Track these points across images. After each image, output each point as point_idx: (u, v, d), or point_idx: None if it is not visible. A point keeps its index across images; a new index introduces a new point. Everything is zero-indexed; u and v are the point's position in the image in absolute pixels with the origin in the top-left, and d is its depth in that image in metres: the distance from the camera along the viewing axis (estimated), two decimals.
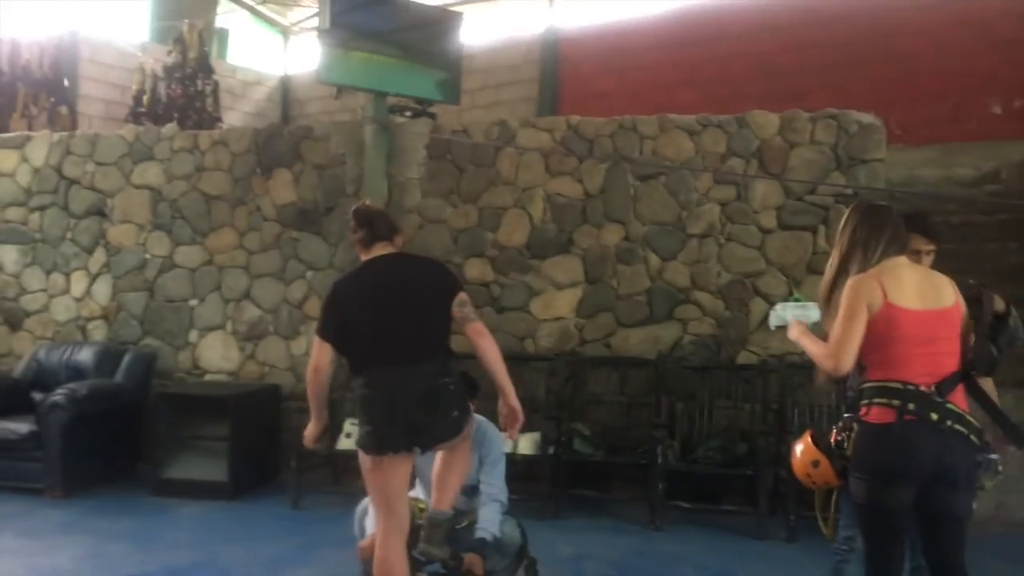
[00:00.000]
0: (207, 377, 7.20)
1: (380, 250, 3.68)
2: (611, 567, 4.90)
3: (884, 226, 3.17)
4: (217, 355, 7.19)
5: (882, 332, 3.01)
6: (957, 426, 2.95)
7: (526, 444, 5.85)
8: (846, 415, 3.40)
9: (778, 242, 6.26)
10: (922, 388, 2.96)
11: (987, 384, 3.22)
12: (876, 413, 3.02)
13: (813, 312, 6.00)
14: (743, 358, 6.27)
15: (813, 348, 3.21)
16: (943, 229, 7.43)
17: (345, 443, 6.16)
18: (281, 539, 5.36)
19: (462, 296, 3.63)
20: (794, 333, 3.37)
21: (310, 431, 3.80)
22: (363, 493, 5.13)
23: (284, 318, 7.07)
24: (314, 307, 6.99)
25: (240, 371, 7.14)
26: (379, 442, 3.45)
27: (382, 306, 3.54)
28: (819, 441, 3.46)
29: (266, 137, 7.20)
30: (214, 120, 9.69)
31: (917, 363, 2.99)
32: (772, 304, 6.12)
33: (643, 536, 5.49)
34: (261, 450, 6.66)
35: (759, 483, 5.48)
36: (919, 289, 3.03)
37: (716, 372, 6.23)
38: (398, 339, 3.50)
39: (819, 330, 6.06)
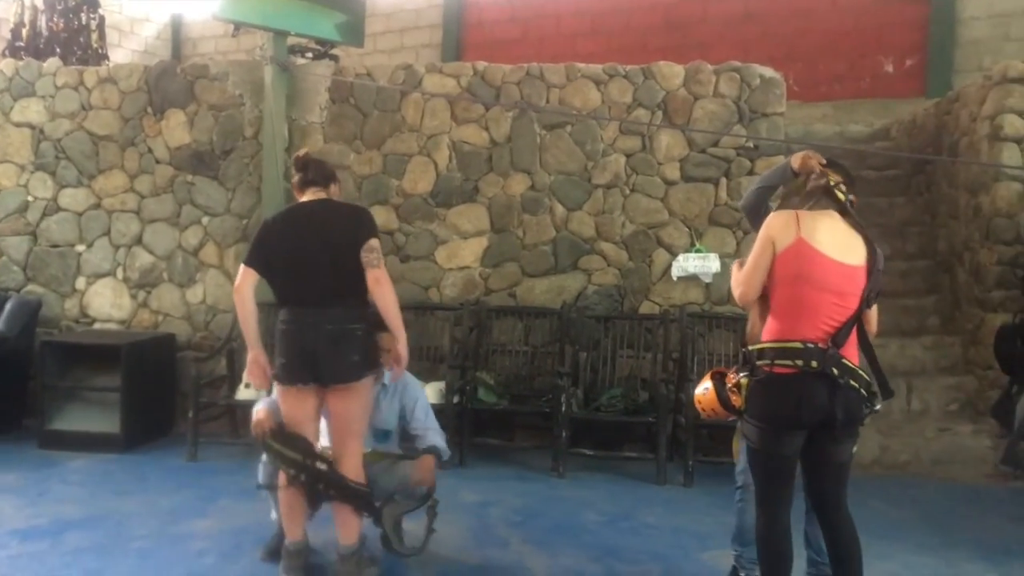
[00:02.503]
0: (96, 326, 6.91)
1: (311, 195, 3.85)
2: (515, 513, 4.94)
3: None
4: (107, 303, 6.90)
5: (791, 269, 3.06)
6: (852, 382, 3.04)
7: (430, 393, 5.80)
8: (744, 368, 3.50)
9: (681, 194, 6.34)
10: (821, 346, 3.03)
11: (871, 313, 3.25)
12: (777, 371, 3.09)
13: (714, 264, 6.26)
14: (646, 308, 6.36)
15: (735, 274, 3.26)
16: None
17: (244, 393, 6.02)
18: (178, 491, 5.22)
19: (371, 242, 3.72)
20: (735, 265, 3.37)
21: (249, 360, 3.86)
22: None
23: (179, 265, 6.83)
24: (211, 254, 6.78)
25: (132, 320, 6.88)
26: (289, 374, 3.73)
27: (300, 248, 3.73)
28: (716, 377, 3.57)
29: (158, 75, 6.86)
30: (100, 57, 9.17)
31: (822, 312, 3.06)
32: (675, 255, 6.32)
33: (547, 483, 5.56)
34: (155, 401, 6.45)
35: (659, 430, 5.60)
36: (834, 240, 3.08)
37: (619, 322, 6.31)
38: (312, 281, 3.70)
39: (719, 281, 6.24)
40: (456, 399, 5.87)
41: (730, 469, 5.56)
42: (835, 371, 3.01)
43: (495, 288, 6.53)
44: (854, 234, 3.12)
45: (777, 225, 3.11)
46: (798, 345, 3.05)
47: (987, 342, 6.06)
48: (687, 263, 6.22)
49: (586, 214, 6.44)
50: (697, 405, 3.62)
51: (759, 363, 3.13)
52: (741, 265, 3.30)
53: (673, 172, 6.35)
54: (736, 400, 3.21)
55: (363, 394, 3.79)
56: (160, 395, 6.52)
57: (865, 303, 3.09)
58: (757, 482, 3.24)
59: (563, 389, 5.70)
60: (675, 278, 6.28)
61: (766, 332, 3.16)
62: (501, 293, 6.52)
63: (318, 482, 3.73)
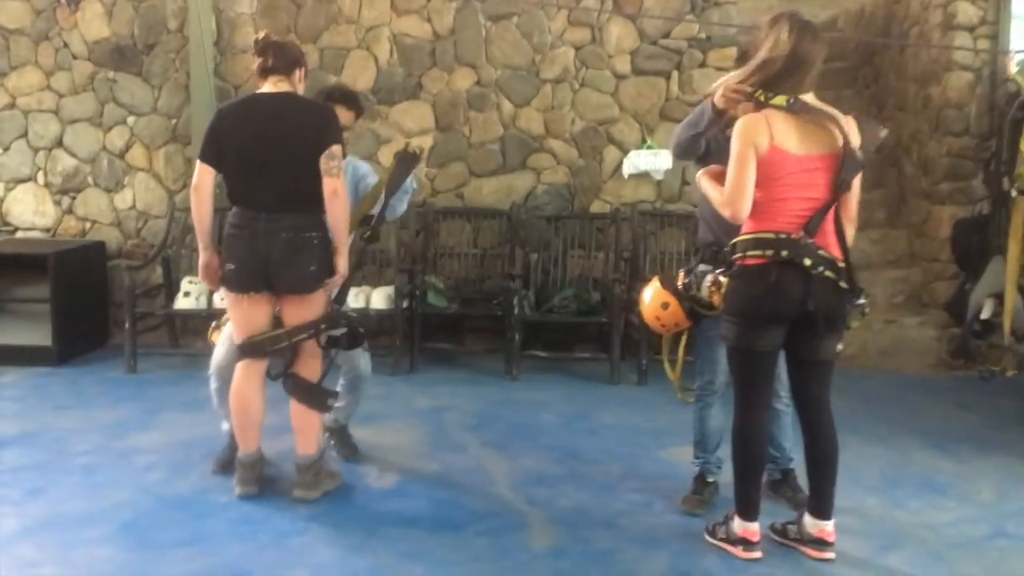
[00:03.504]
0: (19, 234, 6.53)
1: (272, 86, 3.54)
2: (471, 417, 4.87)
3: (816, 55, 3.01)
4: (29, 210, 6.51)
5: (763, 176, 2.95)
6: (827, 272, 2.96)
7: (379, 298, 5.66)
8: (700, 266, 3.40)
9: (632, 88, 6.15)
10: (793, 236, 2.95)
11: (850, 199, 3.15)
12: (749, 262, 3.01)
13: (665, 160, 6.12)
14: (596, 207, 6.24)
15: (712, 194, 3.11)
16: None
17: (183, 302, 5.78)
18: (119, 405, 5.01)
19: (334, 148, 3.45)
20: (700, 178, 3.22)
21: (201, 263, 3.63)
22: (204, 353, 4.91)
23: (104, 169, 6.45)
24: (139, 157, 6.43)
25: (58, 227, 6.51)
26: (240, 281, 3.51)
27: (255, 145, 3.47)
28: (668, 284, 3.48)
29: None
30: None
31: (792, 207, 2.96)
32: (625, 152, 6.17)
33: (500, 386, 5.49)
34: (89, 312, 6.17)
35: (612, 331, 5.54)
36: (798, 134, 2.96)
37: (569, 222, 6.18)
38: (266, 183, 3.45)
39: (670, 178, 6.13)
40: (405, 304, 5.72)
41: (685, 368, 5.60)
42: (807, 261, 2.93)
43: (442, 189, 6.32)
44: (818, 123, 2.98)
45: (752, 132, 2.95)
46: (770, 235, 2.96)
47: (933, 235, 6.10)
48: (638, 160, 6.07)
49: (534, 110, 6.22)
50: (654, 323, 3.54)
51: (733, 257, 3.04)
52: (713, 177, 3.15)
53: (624, 65, 6.14)
54: (718, 299, 3.12)
55: (319, 302, 3.59)
56: (92, 306, 6.24)
57: (836, 190, 2.98)
58: (736, 381, 3.18)
59: (515, 292, 5.58)
60: (626, 175, 6.13)
61: (743, 228, 3.06)
62: (448, 194, 6.32)
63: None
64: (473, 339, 6.26)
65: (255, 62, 3.57)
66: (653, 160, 6.06)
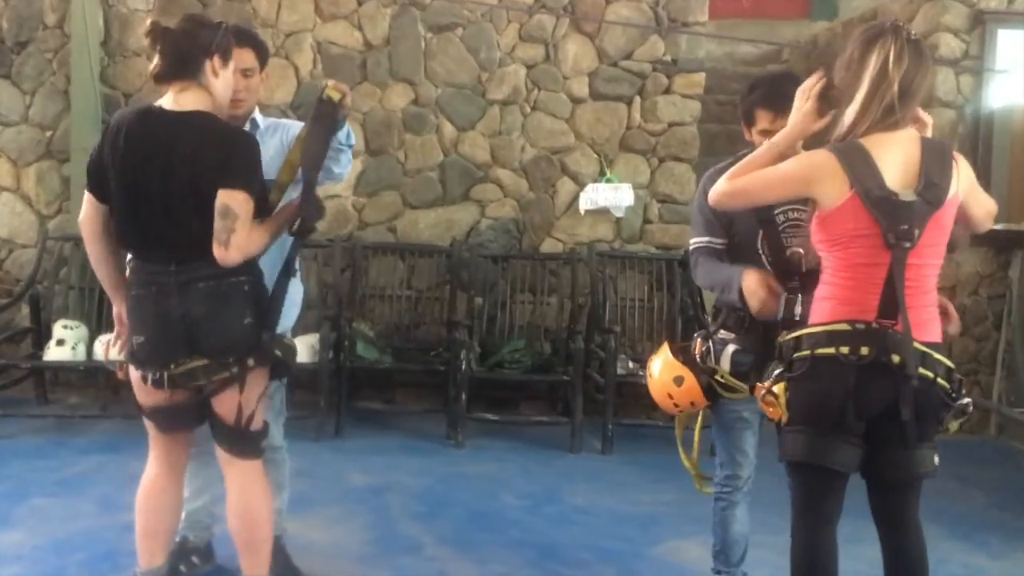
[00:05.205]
0: None
1: (174, 96, 2.54)
2: (418, 500, 4.04)
3: (925, 75, 2.33)
4: None
5: (837, 232, 2.28)
6: (924, 371, 2.28)
7: (301, 350, 4.74)
8: (721, 332, 2.76)
9: (590, 113, 5.52)
10: (874, 325, 2.27)
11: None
12: (817, 360, 2.31)
13: (627, 195, 5.47)
14: (548, 246, 5.57)
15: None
16: (730, 109, 7.14)
17: (56, 352, 4.78)
18: None
19: (231, 199, 2.45)
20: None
21: (115, 314, 2.76)
22: (78, 412, 3.95)
23: None
24: (3, 174, 5.45)
25: None
26: (154, 356, 2.57)
27: (146, 183, 2.51)
28: (680, 353, 2.83)
29: None
30: None
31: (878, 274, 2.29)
32: (581, 185, 5.51)
33: (445, 456, 4.69)
34: None
35: (575, 391, 4.82)
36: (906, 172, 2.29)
37: (518, 262, 5.48)
38: (168, 228, 2.52)
39: (631, 216, 5.50)
40: (330, 355, 4.86)
41: (651, 432, 4.92)
42: (896, 359, 2.25)
43: (371, 221, 5.53)
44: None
45: (821, 175, 2.28)
46: (845, 327, 2.27)
47: None
48: (597, 195, 5.41)
49: (480, 135, 5.51)
50: (665, 401, 2.85)
51: (796, 355, 2.35)
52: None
53: (581, 88, 5.50)
54: (774, 411, 2.41)
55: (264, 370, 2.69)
56: None
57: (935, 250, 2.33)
58: (798, 502, 2.46)
59: (462, 344, 4.80)
60: (583, 211, 5.46)
61: (812, 314, 2.38)
62: (379, 227, 5.54)
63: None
64: (405, 396, 5.45)
65: (152, 63, 2.61)
66: (613, 195, 5.41)
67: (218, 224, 2.45)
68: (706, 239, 2.79)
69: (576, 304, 5.35)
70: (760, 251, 2.72)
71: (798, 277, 2.68)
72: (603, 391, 4.87)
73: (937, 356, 2.28)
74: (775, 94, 2.68)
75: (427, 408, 5.20)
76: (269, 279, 2.69)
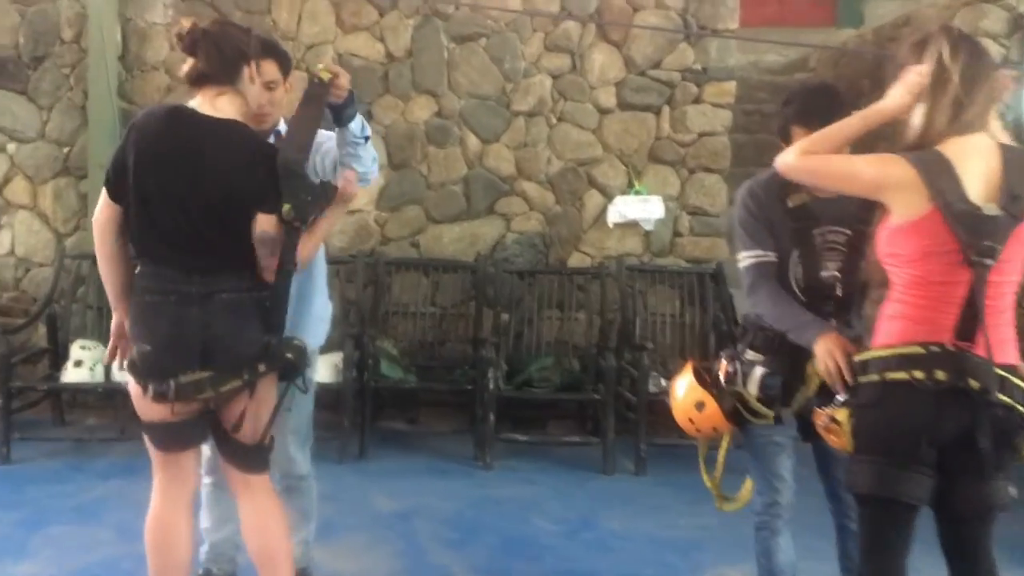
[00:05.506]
0: None
1: (208, 101, 2.43)
2: (448, 526, 3.88)
3: (986, 69, 2.19)
4: None
5: (911, 247, 2.12)
6: (1003, 396, 2.11)
7: (323, 370, 4.63)
8: (749, 353, 2.62)
9: (617, 124, 5.35)
10: (950, 347, 2.10)
11: None
12: (888, 385, 2.15)
13: (656, 208, 5.32)
14: (575, 260, 5.40)
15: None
16: (758, 119, 6.99)
17: (74, 373, 4.66)
18: None
19: (266, 228, 2.37)
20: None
21: (113, 324, 2.61)
22: (96, 435, 3.82)
23: None
24: (20, 192, 5.33)
25: None
26: (159, 367, 2.41)
27: (175, 187, 2.39)
28: (703, 375, 2.67)
29: None
30: None
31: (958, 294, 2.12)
32: (609, 197, 5.36)
33: (473, 479, 4.53)
34: None
35: (606, 410, 4.66)
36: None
37: (544, 277, 5.31)
38: (198, 237, 2.40)
39: (660, 229, 5.35)
40: (354, 375, 4.71)
41: (684, 452, 4.73)
42: (975, 384, 2.08)
43: (394, 236, 5.38)
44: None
45: (893, 180, 2.13)
46: (919, 350, 2.11)
47: None
48: (625, 207, 5.26)
49: (504, 147, 5.35)
50: (687, 425, 2.70)
51: (863, 380, 2.19)
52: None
53: (608, 98, 5.34)
54: (838, 441, 2.25)
55: (273, 385, 2.56)
56: None
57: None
58: (866, 537, 2.29)
59: (489, 362, 4.65)
60: (611, 224, 5.31)
61: (878, 334, 2.22)
62: (402, 242, 5.39)
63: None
64: (429, 415, 5.29)
65: (183, 64, 2.48)
66: (642, 207, 5.26)
67: (260, 251, 2.36)
68: (757, 252, 2.62)
69: (605, 320, 5.19)
70: (792, 272, 2.58)
71: (832, 302, 2.56)
72: (634, 410, 4.71)
73: (1015, 380, 2.12)
74: (809, 110, 2.53)
75: (453, 428, 5.03)
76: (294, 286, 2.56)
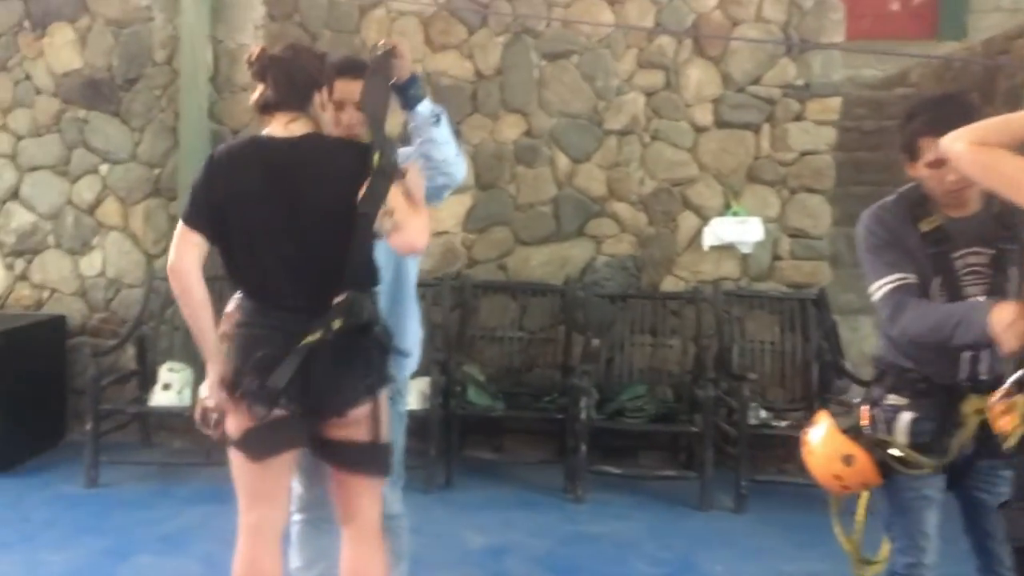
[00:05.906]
0: None
1: (282, 127, 2.37)
2: (542, 566, 3.72)
3: None
4: None
5: None
6: None
7: (411, 397, 4.50)
8: (889, 396, 2.38)
9: (714, 143, 5.13)
10: None
11: None
12: None
13: (755, 230, 5.09)
14: (669, 284, 5.17)
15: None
16: (856, 137, 6.68)
17: (162, 397, 4.64)
18: (73, 541, 3.82)
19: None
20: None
21: (212, 380, 2.39)
22: (183, 459, 3.77)
23: (69, 227, 5.34)
24: (112, 213, 5.34)
25: (8, 296, 5.39)
26: (268, 400, 2.27)
27: (275, 214, 2.30)
28: (847, 425, 2.44)
29: None
30: None
31: None
32: (705, 219, 5.14)
33: (563, 511, 4.35)
34: (39, 404, 5.01)
35: (705, 443, 4.43)
36: None
37: (636, 301, 5.10)
38: (302, 269, 2.32)
39: (759, 252, 5.11)
40: (441, 402, 4.58)
41: (786, 489, 4.48)
42: None
43: (481, 259, 5.23)
44: None
45: None
46: None
47: None
48: (722, 229, 5.03)
49: (595, 167, 5.16)
50: (832, 483, 2.45)
51: None
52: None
53: (704, 115, 5.12)
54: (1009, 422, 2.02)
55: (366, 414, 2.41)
56: (45, 395, 5.08)
57: None
58: None
59: (580, 390, 4.47)
60: (707, 247, 5.09)
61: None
62: (489, 265, 5.23)
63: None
64: (515, 443, 5.13)
65: (255, 93, 2.43)
66: (739, 229, 5.03)
67: (384, 221, 2.24)
68: (896, 276, 2.37)
69: (700, 347, 4.95)
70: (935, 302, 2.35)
71: None
72: (732, 443, 4.48)
73: None
74: (942, 120, 2.28)
75: (541, 459, 4.87)
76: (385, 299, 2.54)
